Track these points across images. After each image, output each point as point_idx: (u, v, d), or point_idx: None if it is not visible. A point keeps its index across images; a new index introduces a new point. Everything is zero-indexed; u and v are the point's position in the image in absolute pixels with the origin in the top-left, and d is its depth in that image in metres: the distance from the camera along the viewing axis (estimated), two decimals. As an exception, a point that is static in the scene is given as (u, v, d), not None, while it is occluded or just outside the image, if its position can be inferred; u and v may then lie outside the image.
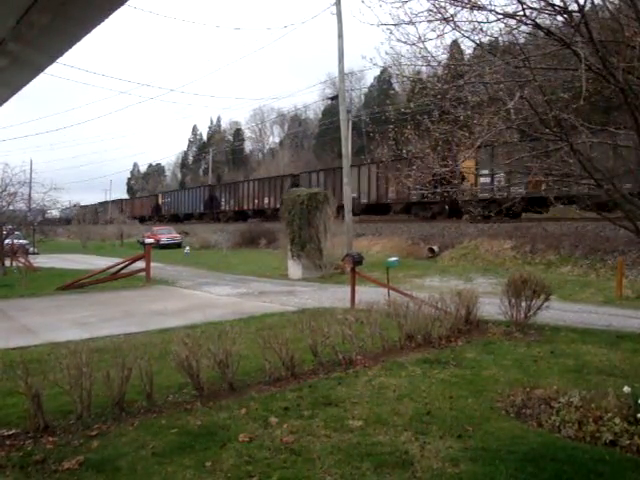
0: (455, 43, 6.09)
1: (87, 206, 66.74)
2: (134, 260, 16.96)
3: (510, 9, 4.53)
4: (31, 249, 25.76)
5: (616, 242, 15.91)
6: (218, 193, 45.21)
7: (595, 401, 4.53)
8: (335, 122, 37.81)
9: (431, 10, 4.73)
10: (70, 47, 3.07)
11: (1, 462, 3.88)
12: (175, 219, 50.55)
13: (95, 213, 60.15)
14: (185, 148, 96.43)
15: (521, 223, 20.43)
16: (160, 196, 57.70)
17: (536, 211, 19.22)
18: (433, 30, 4.91)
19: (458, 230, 22.00)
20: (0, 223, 19.77)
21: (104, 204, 69.41)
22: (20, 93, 4.19)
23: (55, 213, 58.69)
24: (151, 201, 58.41)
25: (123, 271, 16.48)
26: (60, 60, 3.41)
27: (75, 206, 70.60)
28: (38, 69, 3.58)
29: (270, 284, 16.21)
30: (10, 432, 4.42)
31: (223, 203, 44.01)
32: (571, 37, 4.30)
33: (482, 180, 21.13)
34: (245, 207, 40.83)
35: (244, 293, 14.09)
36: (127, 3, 2.59)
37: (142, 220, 52.27)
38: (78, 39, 2.95)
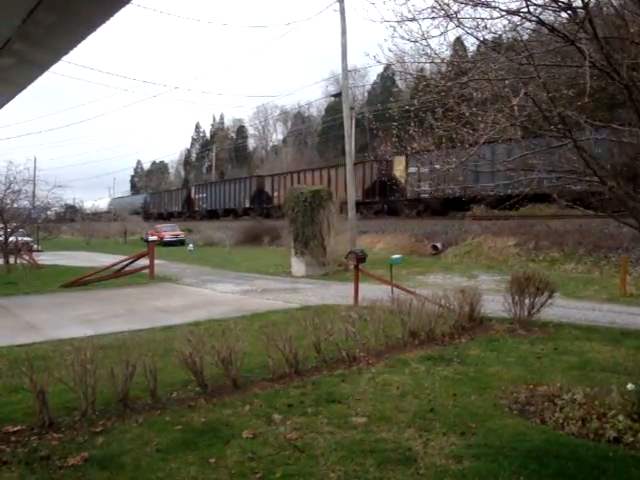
0: (459, 40, 6.10)
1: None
2: (137, 257, 16.97)
3: (514, 6, 4.53)
4: (35, 246, 25.83)
5: (620, 239, 15.86)
6: (194, 193, 48.52)
7: (599, 398, 4.53)
8: (338, 119, 37.74)
9: (434, 7, 4.74)
10: (76, 45, 3.08)
11: (6, 458, 3.90)
12: (160, 217, 54.26)
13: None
14: (189, 146, 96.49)
15: (525, 220, 20.38)
16: (147, 196, 61.38)
17: (459, 209, 23.79)
18: (436, 27, 4.93)
19: (461, 227, 21.97)
20: (4, 221, 19.84)
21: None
22: (24, 91, 4.20)
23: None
24: (137, 200, 61.56)
25: (127, 268, 16.51)
26: (65, 58, 3.42)
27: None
28: (43, 67, 3.58)
29: (273, 281, 16.22)
30: (15, 428, 4.44)
31: (198, 203, 47.43)
32: (575, 34, 4.29)
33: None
34: (217, 207, 44.18)
35: (247, 290, 14.11)
36: (132, 1, 2.59)
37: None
38: (84, 37, 2.95)
